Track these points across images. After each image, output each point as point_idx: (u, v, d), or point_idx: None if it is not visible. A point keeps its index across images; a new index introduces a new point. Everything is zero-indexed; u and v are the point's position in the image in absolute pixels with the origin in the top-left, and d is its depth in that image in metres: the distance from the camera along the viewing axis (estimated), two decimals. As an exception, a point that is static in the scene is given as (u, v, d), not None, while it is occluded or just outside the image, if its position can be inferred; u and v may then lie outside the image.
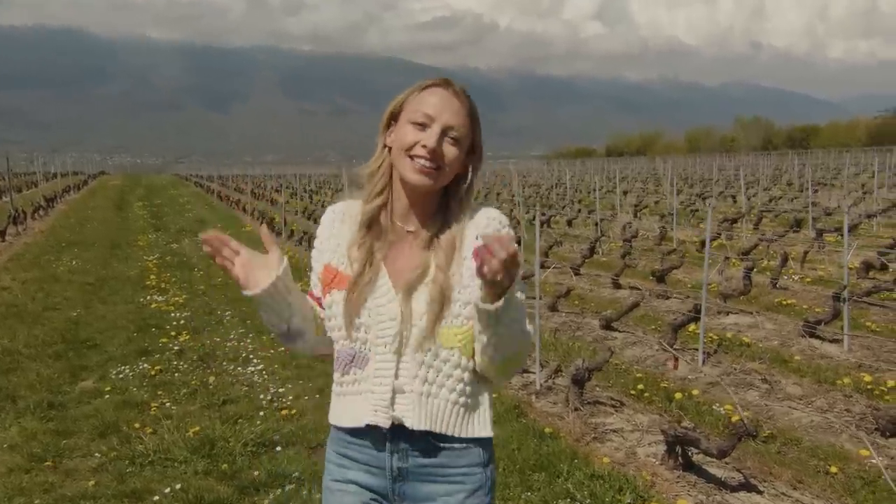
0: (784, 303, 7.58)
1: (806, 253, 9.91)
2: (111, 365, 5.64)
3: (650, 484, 3.58)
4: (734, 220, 13.43)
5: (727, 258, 9.09)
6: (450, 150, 1.52)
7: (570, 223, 14.92)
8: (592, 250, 9.80)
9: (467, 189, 1.59)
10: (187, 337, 6.49)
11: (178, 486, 3.48)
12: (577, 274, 9.06)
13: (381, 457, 1.54)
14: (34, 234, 15.38)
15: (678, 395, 4.67)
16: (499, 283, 1.31)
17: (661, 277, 7.99)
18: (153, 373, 5.41)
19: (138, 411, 4.62)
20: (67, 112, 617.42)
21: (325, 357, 1.63)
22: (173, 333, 6.60)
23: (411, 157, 1.50)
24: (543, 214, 14.90)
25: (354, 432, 1.55)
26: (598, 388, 4.99)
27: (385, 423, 1.49)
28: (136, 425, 4.33)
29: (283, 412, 4.60)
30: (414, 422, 1.49)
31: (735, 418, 4.32)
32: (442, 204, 1.59)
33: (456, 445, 1.54)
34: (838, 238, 11.22)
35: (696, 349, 5.64)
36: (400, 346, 1.50)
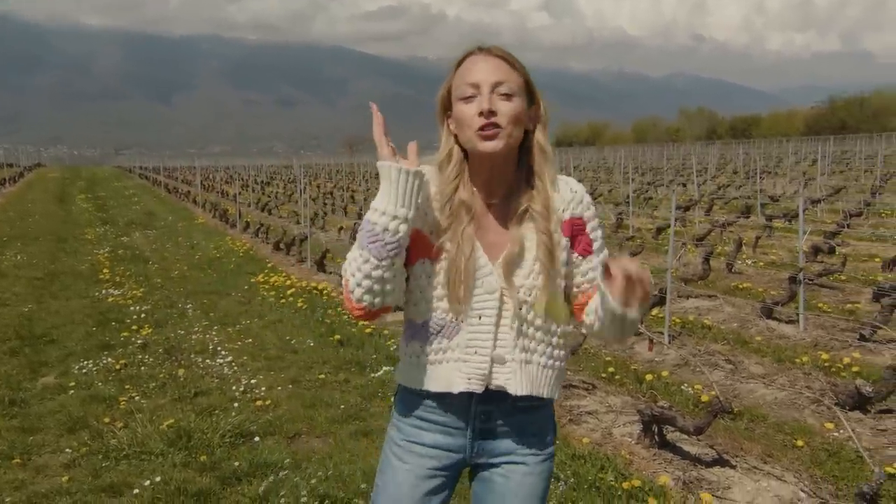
0: (740, 286, 7.83)
1: (758, 238, 10.25)
2: (72, 360, 5.48)
3: (629, 462, 3.68)
4: (687, 208, 13.78)
5: (684, 244, 9.33)
6: (505, 106, 1.50)
7: (527, 212, 15.04)
8: (553, 238, 9.90)
9: (542, 142, 1.59)
10: (150, 330, 6.36)
11: (157, 479, 3.43)
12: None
13: (465, 418, 1.59)
14: (-27, 228, 14.78)
15: (649, 377, 4.80)
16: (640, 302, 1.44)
17: (622, 263, 8.15)
18: (118, 367, 5.29)
19: (107, 406, 4.52)
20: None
21: (382, 311, 1.55)
22: (135, 327, 6.45)
23: (477, 131, 1.50)
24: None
25: (435, 398, 1.59)
26: (570, 372, 5.08)
27: (479, 389, 1.54)
28: (107, 420, 4.23)
29: (258, 403, 4.55)
30: (517, 388, 1.55)
31: (705, 398, 4.48)
32: (523, 169, 1.59)
33: (535, 403, 1.61)
34: (786, 223, 11.64)
35: (662, 332, 5.80)
36: (498, 318, 1.54)
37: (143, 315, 6.94)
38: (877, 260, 9.03)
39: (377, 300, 1.49)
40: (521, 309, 1.55)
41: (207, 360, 5.49)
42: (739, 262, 9.16)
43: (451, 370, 1.56)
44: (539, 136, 1.59)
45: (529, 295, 1.55)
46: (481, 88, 1.51)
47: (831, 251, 9.00)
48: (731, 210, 14.85)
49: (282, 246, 11.09)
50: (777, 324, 6.32)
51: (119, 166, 62.96)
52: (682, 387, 4.77)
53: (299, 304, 7.28)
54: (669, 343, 5.69)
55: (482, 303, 1.54)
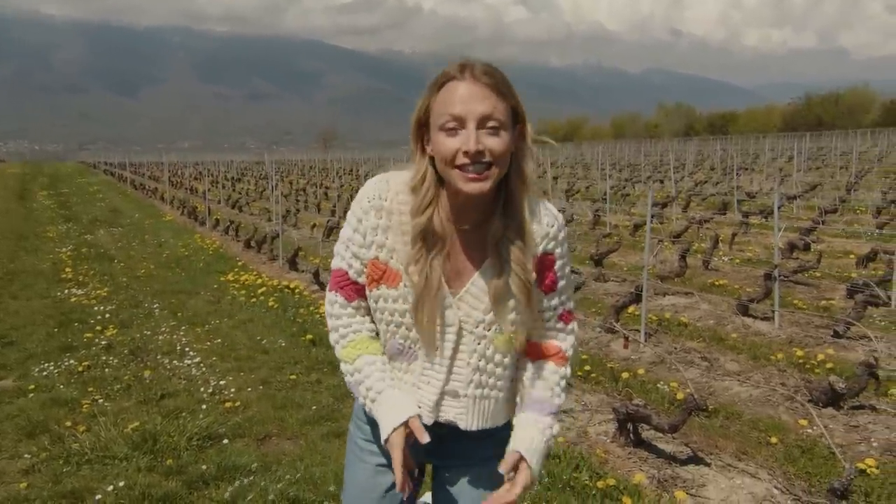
0: (717, 283, 7.93)
1: (734, 235, 10.39)
2: (32, 362, 5.39)
3: (604, 461, 3.72)
4: (664, 205, 13.92)
5: (661, 241, 9.43)
6: (493, 142, 1.40)
7: (503, 209, 15.09)
8: (529, 235, 9.94)
9: (526, 163, 1.49)
10: (115, 331, 6.28)
11: (121, 484, 3.39)
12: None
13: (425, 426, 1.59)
14: (-72, 226, 14.46)
15: (624, 375, 4.85)
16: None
17: (598, 261, 8.23)
18: (81, 369, 5.21)
19: (68, 409, 4.45)
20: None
21: None
22: (99, 328, 6.36)
23: (458, 168, 1.41)
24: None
25: None
26: (545, 371, 5.10)
27: (428, 420, 1.56)
28: (68, 423, 4.18)
29: (227, 405, 4.52)
30: (468, 424, 1.57)
31: (680, 395, 4.53)
32: (499, 196, 1.49)
33: (491, 431, 1.64)
34: (763, 220, 11.81)
35: (638, 330, 5.85)
36: (454, 352, 1.54)
37: (107, 315, 6.84)
38: (851, 256, 9.20)
39: None
40: (479, 343, 1.53)
41: (175, 361, 5.43)
42: (716, 259, 9.28)
43: (405, 397, 1.58)
44: (522, 163, 1.49)
45: (489, 329, 1.52)
46: (466, 122, 1.40)
47: (807, 248, 9.16)
48: (709, 207, 15.03)
49: (253, 244, 11.01)
50: (753, 321, 6.41)
51: (83, 162, 62.04)
52: (658, 385, 4.82)
53: (270, 304, 7.24)
54: (646, 341, 5.74)
55: (440, 335, 1.53)
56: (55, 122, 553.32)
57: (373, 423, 1.66)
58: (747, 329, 6.20)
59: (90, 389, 4.80)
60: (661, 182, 21.30)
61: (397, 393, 1.57)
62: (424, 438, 1.49)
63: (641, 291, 5.72)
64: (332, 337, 1.67)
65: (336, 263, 1.62)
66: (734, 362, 5.39)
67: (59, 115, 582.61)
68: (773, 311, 6.31)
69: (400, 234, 1.52)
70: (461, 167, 1.41)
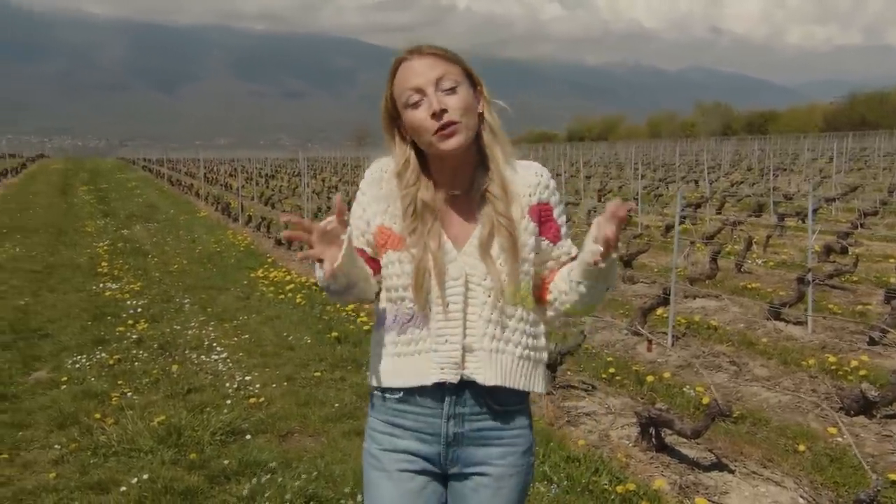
0: (749, 286, 7.80)
1: (769, 237, 10.20)
2: (66, 355, 5.53)
3: (625, 465, 3.68)
4: (697, 205, 13.73)
5: (693, 242, 9.30)
6: (453, 99, 1.52)
7: (534, 208, 15.03)
8: (559, 235, 9.89)
9: (492, 125, 1.60)
10: (146, 325, 6.40)
11: (145, 477, 3.45)
12: (543, 259, 9.14)
13: (436, 423, 1.59)
14: (-28, 219, 14.90)
15: (649, 378, 4.79)
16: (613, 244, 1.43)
17: (627, 262, 8.15)
18: (112, 362, 5.33)
19: (98, 402, 4.55)
20: (1, 92, 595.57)
21: (353, 303, 1.66)
22: (130, 322, 6.49)
23: (434, 134, 1.52)
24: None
25: (407, 399, 1.60)
26: (569, 373, 5.08)
27: (454, 378, 1.55)
28: (97, 416, 4.26)
29: (251, 400, 4.58)
30: (486, 378, 1.55)
31: (705, 400, 4.47)
32: (478, 156, 1.61)
33: (510, 409, 1.61)
34: (799, 222, 11.58)
35: (665, 333, 5.78)
36: (465, 305, 1.56)
37: (139, 310, 6.98)
38: (891, 261, 8.97)
39: (349, 302, 1.64)
40: (489, 296, 1.56)
41: (202, 357, 5.52)
42: (749, 261, 9.12)
43: (424, 361, 1.57)
44: (487, 117, 1.60)
45: (498, 280, 1.56)
46: (425, 90, 1.52)
47: (844, 251, 8.95)
48: (744, 208, 14.77)
49: (283, 240, 11.12)
50: (785, 325, 6.29)
51: (123, 158, 63.25)
52: (684, 389, 4.76)
53: (298, 300, 7.31)
54: (673, 344, 5.67)
55: (448, 290, 1.56)
56: (98, 119, 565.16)
57: (386, 429, 1.64)
58: (779, 333, 6.08)
59: (120, 382, 4.90)
60: (696, 182, 21.00)
61: None
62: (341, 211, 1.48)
63: (669, 294, 5.65)
64: None
65: None
66: (764, 367, 5.30)
67: (102, 112, 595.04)
68: (806, 316, 6.18)
69: (399, 203, 1.60)
70: (435, 132, 1.51)
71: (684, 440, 3.92)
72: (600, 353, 5.51)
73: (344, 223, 1.49)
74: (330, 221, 1.47)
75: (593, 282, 1.53)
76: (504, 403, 1.61)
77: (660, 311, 6.36)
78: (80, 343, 5.83)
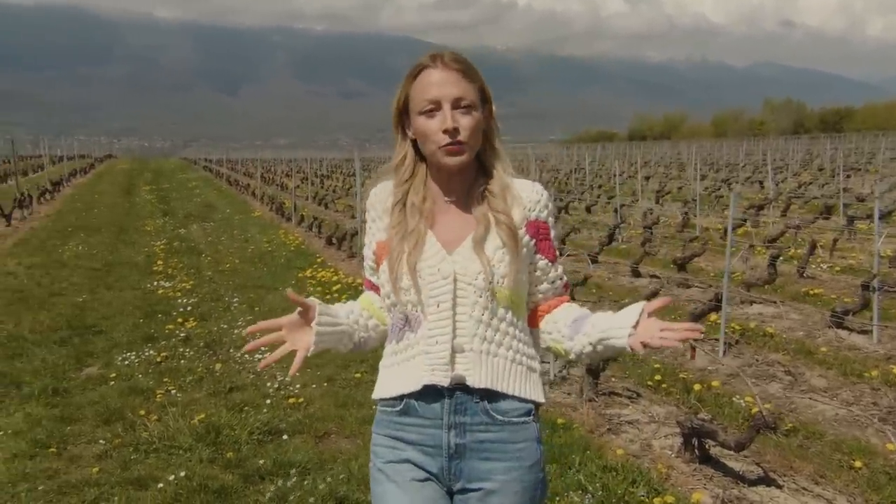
0: (811, 292, 7.53)
1: (835, 241, 9.82)
2: (116, 351, 5.72)
3: (665, 477, 3.59)
4: (760, 207, 13.32)
5: (752, 246, 9.03)
6: (466, 120, 1.58)
7: (588, 209, 14.89)
8: (611, 237, 9.77)
9: (493, 137, 1.68)
10: (194, 323, 6.57)
11: (182, 474, 3.54)
12: (594, 262, 9.03)
13: (438, 434, 1.58)
14: (40, 218, 15.59)
15: (697, 387, 4.67)
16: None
17: (682, 265, 7.96)
18: (159, 359, 5.49)
19: (144, 398, 4.70)
20: (73, 94, 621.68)
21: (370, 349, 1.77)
22: (180, 320, 6.68)
23: (440, 148, 1.58)
24: (561, 200, 14.87)
25: (407, 411, 1.60)
26: (613, 379, 4.99)
27: (444, 380, 1.55)
28: (142, 412, 4.40)
29: (291, 400, 4.65)
30: (475, 379, 1.56)
31: (755, 410, 4.32)
32: (479, 168, 1.67)
33: (514, 420, 1.60)
34: (870, 225, 11.10)
35: (717, 339, 5.63)
36: (454, 305, 1.57)
37: (189, 308, 7.17)
38: (969, 267, 8.51)
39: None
40: (481, 297, 1.57)
41: (247, 356, 5.62)
42: (814, 266, 8.81)
43: (417, 365, 1.59)
44: (492, 138, 1.68)
45: (491, 281, 1.57)
46: (442, 105, 1.57)
47: (916, 256, 8.53)
48: (811, 210, 14.26)
49: (334, 240, 11.27)
50: (848, 334, 6.05)
51: (185, 158, 65.19)
52: (734, 398, 4.62)
53: (344, 301, 7.37)
54: (725, 352, 5.52)
55: (438, 289, 1.58)
56: (163, 119, 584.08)
57: (390, 443, 1.64)
58: (840, 343, 5.85)
59: (165, 380, 5.04)
60: (761, 184, 20.40)
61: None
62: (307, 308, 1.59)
63: (721, 299, 5.49)
64: None
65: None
66: (822, 378, 5.10)
67: (167, 113, 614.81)
68: (871, 325, 5.92)
69: (388, 214, 1.68)
70: (442, 146, 1.57)
71: (730, 452, 3.81)
72: (647, 360, 5.39)
73: (307, 311, 1.59)
74: (292, 318, 1.60)
75: (607, 356, 1.58)
76: (506, 413, 1.59)
77: (713, 317, 6.19)
78: (130, 340, 6.03)
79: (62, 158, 35.52)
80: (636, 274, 8.41)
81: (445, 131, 1.56)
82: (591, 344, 1.57)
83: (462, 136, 1.57)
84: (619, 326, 1.51)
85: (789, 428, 4.19)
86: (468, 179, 1.66)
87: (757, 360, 5.41)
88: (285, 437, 4.08)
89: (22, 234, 13.02)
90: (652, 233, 10.06)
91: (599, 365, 4.43)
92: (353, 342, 1.70)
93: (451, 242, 1.61)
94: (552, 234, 1.69)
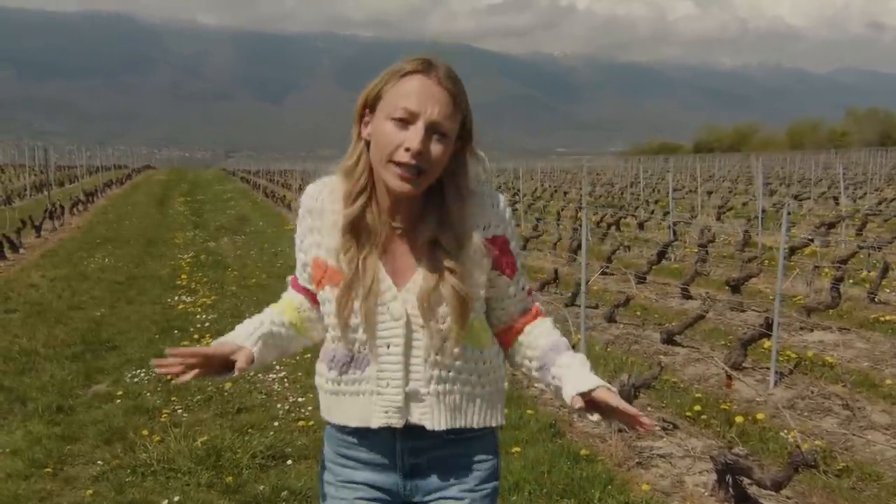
0: (882, 319, 7.26)
1: (913, 263, 9.44)
2: (127, 368, 5.83)
3: (695, 517, 3.48)
4: (832, 225, 12.92)
5: (816, 267, 8.76)
6: (436, 149, 1.48)
7: (641, 226, 14.68)
8: (662, 256, 9.60)
9: (462, 178, 1.57)
10: (210, 340, 6.63)
11: (176, 499, 3.58)
12: (642, 282, 8.89)
13: (391, 455, 1.61)
14: (70, 229, 16.11)
15: (739, 419, 4.53)
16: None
17: (736, 287, 7.77)
18: (169, 377, 5.56)
19: (148, 417, 4.77)
20: (114, 102, 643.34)
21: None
22: (196, 336, 6.79)
23: (393, 162, 1.47)
24: (612, 216, 14.70)
25: (359, 432, 1.61)
26: (649, 409, 4.88)
27: (399, 423, 1.56)
28: (144, 432, 4.47)
29: (300, 423, 4.67)
30: (434, 423, 1.57)
31: (805, 446, 4.16)
32: (434, 197, 1.56)
33: (468, 434, 1.63)
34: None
35: (768, 368, 5.46)
36: (407, 348, 1.55)
37: (207, 324, 7.28)
38: None
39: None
40: (431, 338, 1.54)
41: (259, 375, 5.68)
42: (887, 290, 8.51)
43: (367, 403, 1.58)
44: (459, 179, 1.57)
45: (444, 323, 1.54)
46: (418, 120, 1.47)
47: None
48: (890, 229, 13.79)
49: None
50: (919, 366, 5.80)
51: (224, 169, 66.70)
52: (782, 433, 4.46)
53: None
54: (776, 382, 5.34)
55: (388, 331, 1.55)
56: (205, 129, 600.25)
57: (342, 461, 1.67)
58: (909, 375, 5.61)
59: (173, 399, 5.11)
60: (836, 199, 19.83)
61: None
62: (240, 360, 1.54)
63: (772, 324, 5.33)
64: None
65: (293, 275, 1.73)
66: (885, 413, 4.89)
67: (209, 122, 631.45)
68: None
69: (334, 232, 1.58)
70: (397, 163, 1.46)
71: (771, 493, 3.67)
72: (689, 388, 5.26)
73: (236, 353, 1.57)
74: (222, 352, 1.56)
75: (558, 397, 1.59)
76: (461, 433, 1.62)
77: (767, 343, 6.02)
78: (142, 357, 6.13)
79: (99, 169, 36.70)
80: (686, 295, 8.24)
81: (408, 150, 1.45)
82: (552, 384, 1.61)
83: (424, 165, 1.46)
84: (573, 386, 1.53)
85: (842, 468, 4.02)
86: (416, 207, 1.57)
87: (812, 392, 5.22)
88: (289, 461, 4.09)
89: (50, 245, 13.46)
90: (707, 252, 9.84)
91: (630, 392, 4.33)
92: (292, 348, 1.73)
93: (400, 274, 1.56)
94: (511, 244, 1.64)
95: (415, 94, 1.47)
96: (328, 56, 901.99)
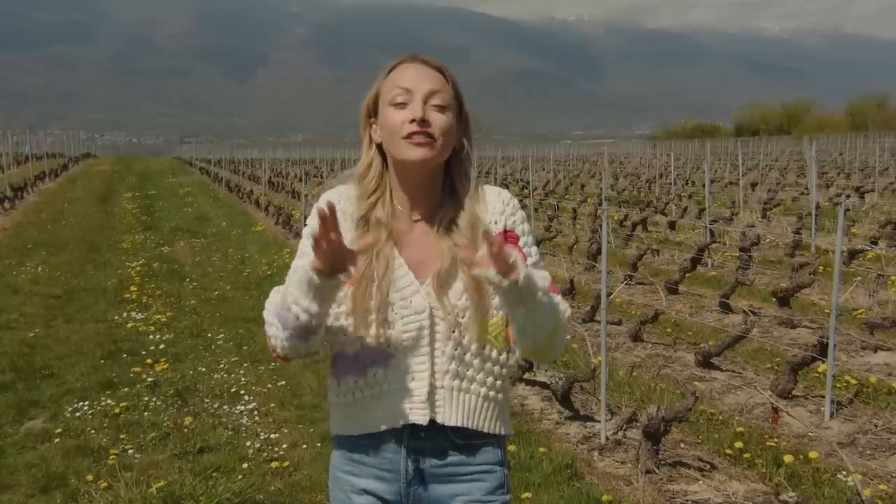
0: (958, 336, 7.32)
1: None
2: (67, 400, 5.86)
3: (737, 575, 3.52)
4: (899, 223, 13.02)
5: (881, 275, 8.83)
6: (438, 118, 1.81)
7: (672, 226, 14.75)
8: (697, 262, 9.66)
9: (467, 162, 1.91)
10: (165, 366, 6.70)
11: (126, 558, 3.60)
12: (673, 293, 8.94)
13: (396, 459, 1.86)
14: (-5, 232, 16.11)
15: (789, 459, 4.57)
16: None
17: (784, 299, 7.81)
18: (118, 411, 5.61)
19: (93, 460, 4.80)
20: (46, 79, 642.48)
21: (302, 357, 1.86)
22: (149, 361, 6.82)
23: (405, 138, 1.80)
24: (638, 214, 14.77)
25: (368, 440, 1.86)
26: (682, 445, 4.93)
27: (423, 419, 1.81)
28: (89, 477, 4.50)
29: (274, 464, 4.70)
30: (447, 417, 1.82)
31: (868, 492, 4.21)
32: (446, 185, 1.91)
33: (474, 442, 1.87)
34: None
35: (823, 397, 5.51)
36: (431, 340, 1.81)
37: (161, 346, 7.32)
38: None
39: (301, 352, 1.82)
40: (454, 332, 1.81)
41: (225, 407, 5.72)
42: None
43: (391, 402, 1.81)
44: (465, 164, 1.91)
45: (463, 317, 1.81)
46: (414, 95, 1.81)
47: None
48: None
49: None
50: None
51: (179, 158, 66.77)
52: (839, 475, 4.50)
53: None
54: (833, 413, 5.39)
55: (412, 324, 1.80)
56: (155, 110, 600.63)
57: (347, 467, 1.90)
58: None
59: (123, 436, 5.15)
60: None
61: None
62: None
63: (826, 345, 5.38)
64: (265, 317, 1.83)
65: (294, 263, 1.83)
66: (962, 451, 4.94)
67: (160, 102, 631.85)
68: None
69: (350, 230, 1.84)
70: (408, 136, 1.79)
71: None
72: (729, 421, 5.31)
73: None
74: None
75: (511, 307, 1.68)
76: (468, 438, 1.85)
77: (821, 367, 6.07)
78: (85, 386, 6.17)
79: (29, 158, 36.68)
80: (726, 309, 8.30)
81: (413, 121, 1.78)
82: (512, 317, 1.74)
83: (432, 130, 1.78)
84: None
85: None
86: (434, 196, 1.89)
87: (875, 426, 5.28)
88: (260, 511, 4.13)
89: (-30, 252, 13.47)
90: (750, 257, 9.91)
91: (660, 427, 4.37)
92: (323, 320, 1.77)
93: (421, 267, 1.83)
94: (522, 240, 1.90)
95: (407, 76, 1.84)
96: (302, 23, 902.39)
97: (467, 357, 1.82)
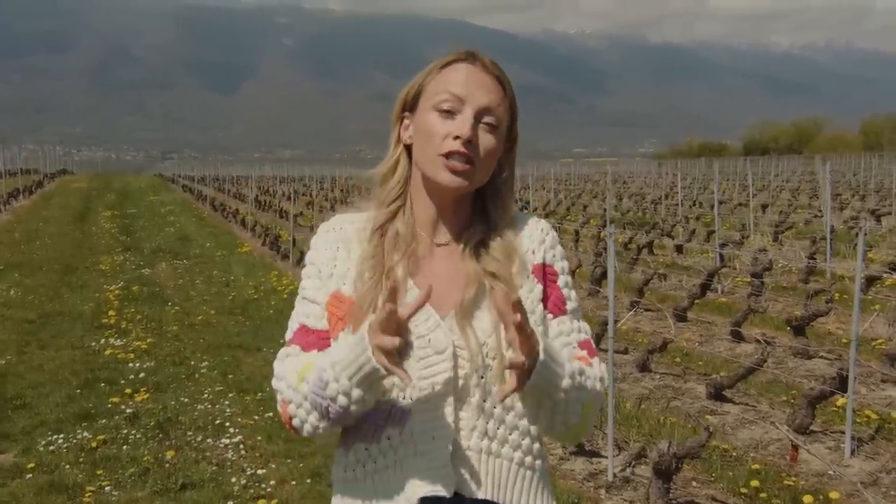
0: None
1: None
2: (40, 433, 5.81)
3: None
4: (917, 248, 13.04)
5: (900, 302, 8.83)
6: (487, 140, 1.62)
7: (680, 249, 14.77)
8: (706, 287, 9.66)
9: (505, 189, 1.73)
10: (146, 396, 6.65)
11: None
12: (682, 320, 8.92)
13: None
14: (-34, 253, 16.05)
15: (808, 499, 4.54)
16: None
17: (799, 328, 7.80)
18: (94, 444, 5.56)
19: (68, 497, 4.76)
20: (21, 91, 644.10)
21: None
22: (128, 391, 6.77)
23: (442, 155, 1.60)
24: (644, 236, 14.79)
25: None
26: (695, 484, 4.90)
27: (449, 489, 1.53)
28: (63, 516, 4.45)
29: (260, 502, 4.67)
30: (472, 488, 1.55)
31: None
32: (477, 207, 1.72)
33: None
34: None
35: (843, 433, 5.48)
36: (456, 389, 1.56)
37: (142, 375, 7.28)
38: None
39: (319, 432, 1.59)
40: (482, 377, 1.56)
41: (209, 440, 5.68)
42: None
43: (407, 473, 1.55)
44: (501, 182, 1.72)
45: (492, 358, 1.56)
46: (465, 106, 1.61)
47: None
48: None
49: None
50: None
51: (160, 175, 66.88)
52: (861, 516, 4.47)
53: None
54: (854, 451, 5.37)
55: (432, 367, 1.56)
56: (136, 125, 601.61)
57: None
58: None
59: (99, 472, 5.10)
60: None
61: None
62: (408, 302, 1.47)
63: (847, 378, 5.36)
64: (279, 388, 1.63)
65: (292, 323, 1.72)
66: None
67: (141, 116, 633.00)
68: None
69: (358, 249, 1.68)
70: (446, 155, 1.59)
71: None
72: (744, 458, 5.28)
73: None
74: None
75: (542, 399, 1.48)
76: None
77: (840, 400, 6.06)
78: (60, 418, 6.12)
79: (2, 175, 36.68)
80: (738, 338, 8.28)
81: (458, 138, 1.58)
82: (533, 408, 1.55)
83: (474, 155, 1.60)
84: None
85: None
86: (462, 219, 1.71)
87: (898, 463, 5.25)
88: (246, 554, 4.08)
89: (-61, 273, 13.42)
90: (762, 282, 9.91)
91: (671, 463, 4.34)
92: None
93: (442, 300, 1.59)
94: (560, 280, 1.73)
95: (461, 79, 1.63)
96: (291, 35, 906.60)
97: (497, 412, 1.58)
